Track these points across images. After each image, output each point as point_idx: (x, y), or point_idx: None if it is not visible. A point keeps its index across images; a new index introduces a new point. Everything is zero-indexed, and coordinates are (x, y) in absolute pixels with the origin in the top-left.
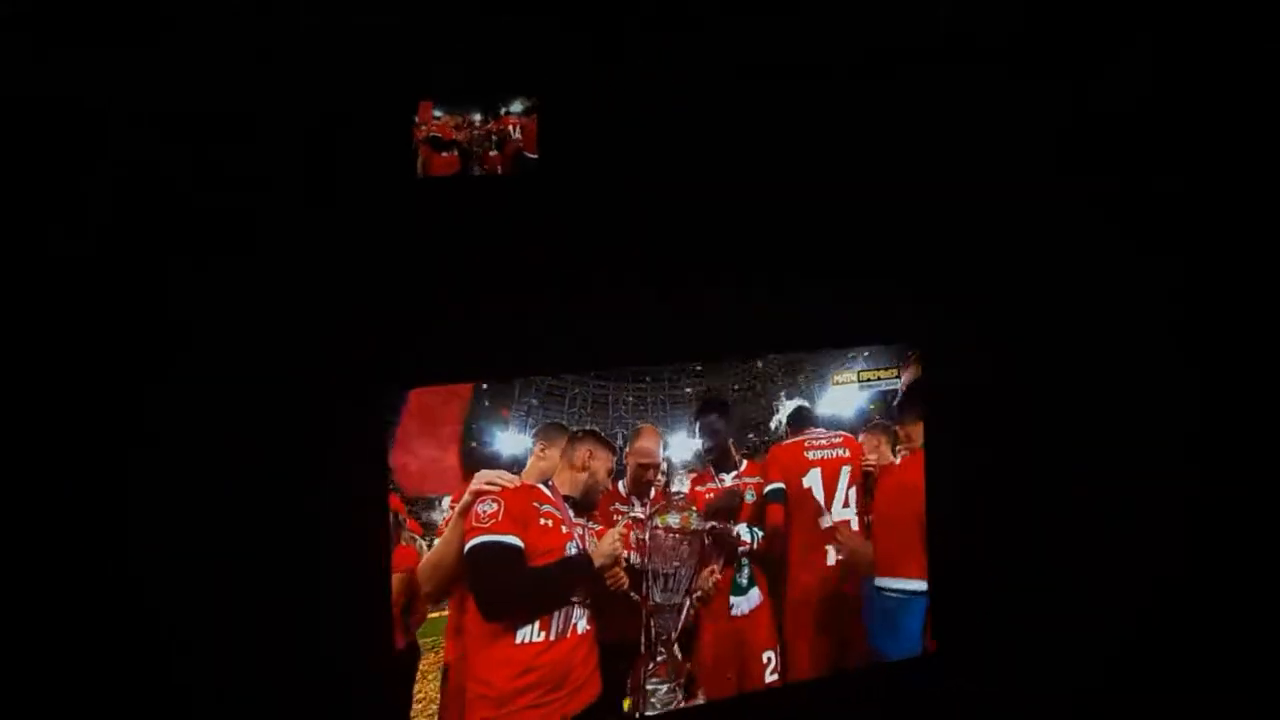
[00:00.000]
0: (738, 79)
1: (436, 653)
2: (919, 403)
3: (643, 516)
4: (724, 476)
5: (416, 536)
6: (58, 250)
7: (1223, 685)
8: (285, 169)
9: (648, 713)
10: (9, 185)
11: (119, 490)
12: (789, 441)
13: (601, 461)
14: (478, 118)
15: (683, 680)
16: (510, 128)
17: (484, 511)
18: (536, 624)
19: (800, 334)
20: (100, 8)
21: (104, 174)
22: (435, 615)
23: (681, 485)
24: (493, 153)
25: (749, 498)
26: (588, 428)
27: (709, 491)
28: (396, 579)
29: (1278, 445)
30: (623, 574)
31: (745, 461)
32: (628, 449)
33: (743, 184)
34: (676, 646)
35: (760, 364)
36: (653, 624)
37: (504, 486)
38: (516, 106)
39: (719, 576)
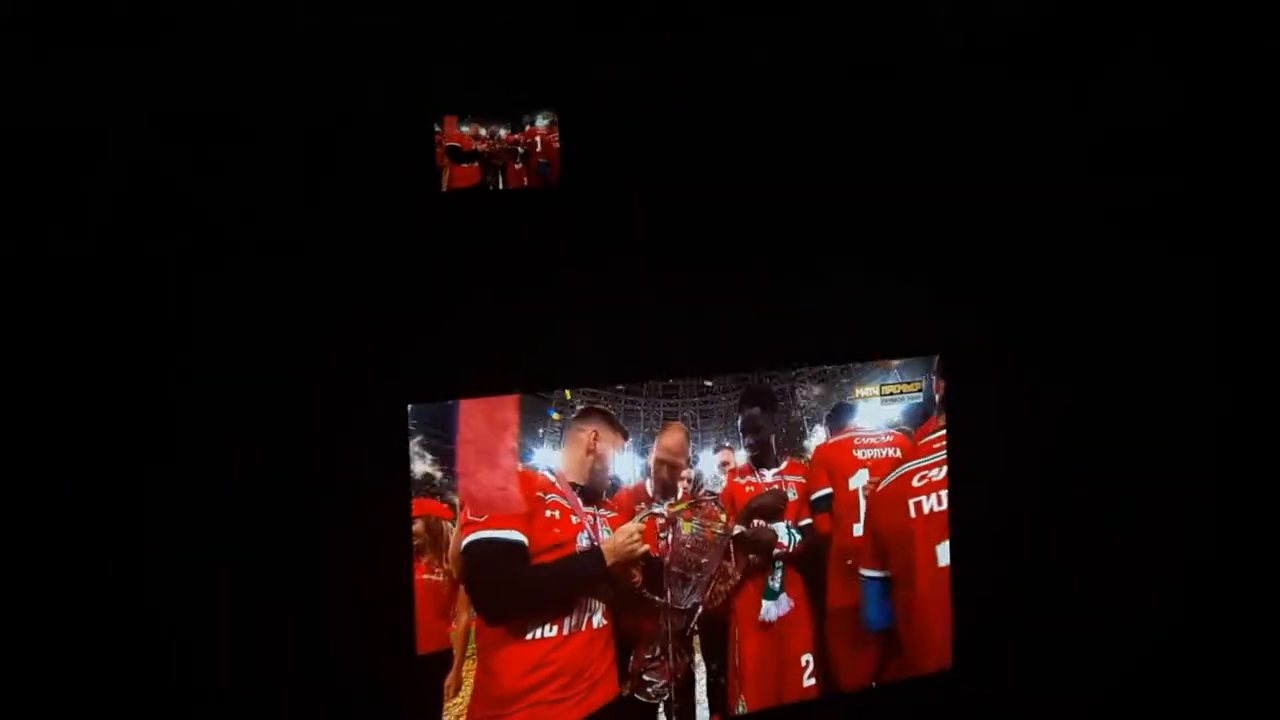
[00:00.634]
0: (763, 85)
1: (473, 660)
2: (941, 412)
3: (665, 514)
4: (764, 472)
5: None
6: (91, 253)
7: (1246, 689)
8: (309, 180)
9: (638, 697)
10: (23, 184)
11: (137, 497)
12: (835, 440)
13: (609, 443)
14: (503, 131)
15: (679, 678)
16: (536, 139)
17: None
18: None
19: (829, 347)
20: (107, 15)
21: (116, 184)
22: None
23: (717, 485)
24: (517, 165)
25: (790, 495)
26: (595, 406)
27: (748, 484)
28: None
29: None
30: (637, 574)
31: (786, 459)
32: (654, 446)
33: (769, 195)
34: (673, 650)
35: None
36: (662, 620)
37: None
38: (541, 121)
39: (735, 581)
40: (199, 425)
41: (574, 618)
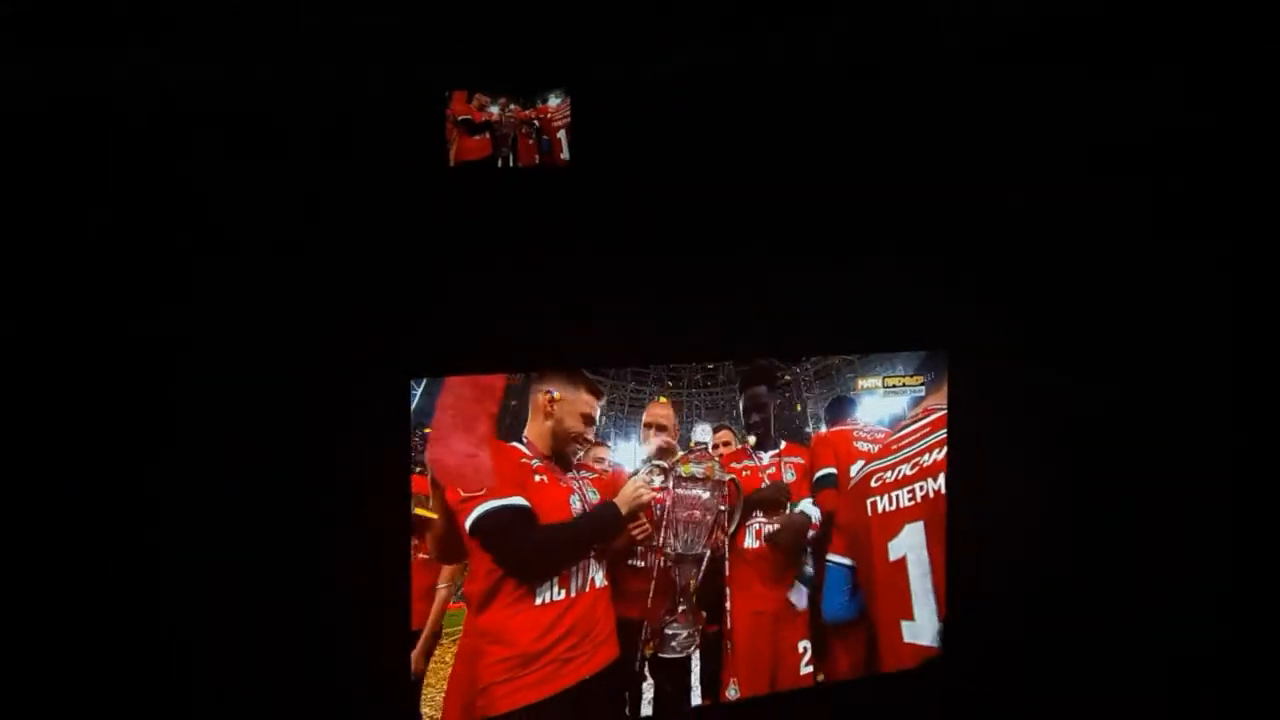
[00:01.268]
0: (778, 80)
1: (455, 643)
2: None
3: (666, 465)
4: (762, 455)
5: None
6: (89, 234)
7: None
8: (315, 154)
9: (664, 654)
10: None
11: (137, 483)
12: (835, 429)
13: (569, 406)
14: (513, 106)
15: (700, 628)
16: (546, 116)
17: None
18: (556, 582)
19: (834, 337)
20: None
21: (120, 163)
22: (455, 609)
23: (704, 437)
24: (530, 140)
25: (789, 476)
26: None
27: (745, 469)
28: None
29: None
30: (647, 521)
31: (784, 441)
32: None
33: (778, 186)
34: (695, 597)
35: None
36: (675, 574)
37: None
38: (553, 99)
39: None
40: (205, 396)
41: (579, 579)
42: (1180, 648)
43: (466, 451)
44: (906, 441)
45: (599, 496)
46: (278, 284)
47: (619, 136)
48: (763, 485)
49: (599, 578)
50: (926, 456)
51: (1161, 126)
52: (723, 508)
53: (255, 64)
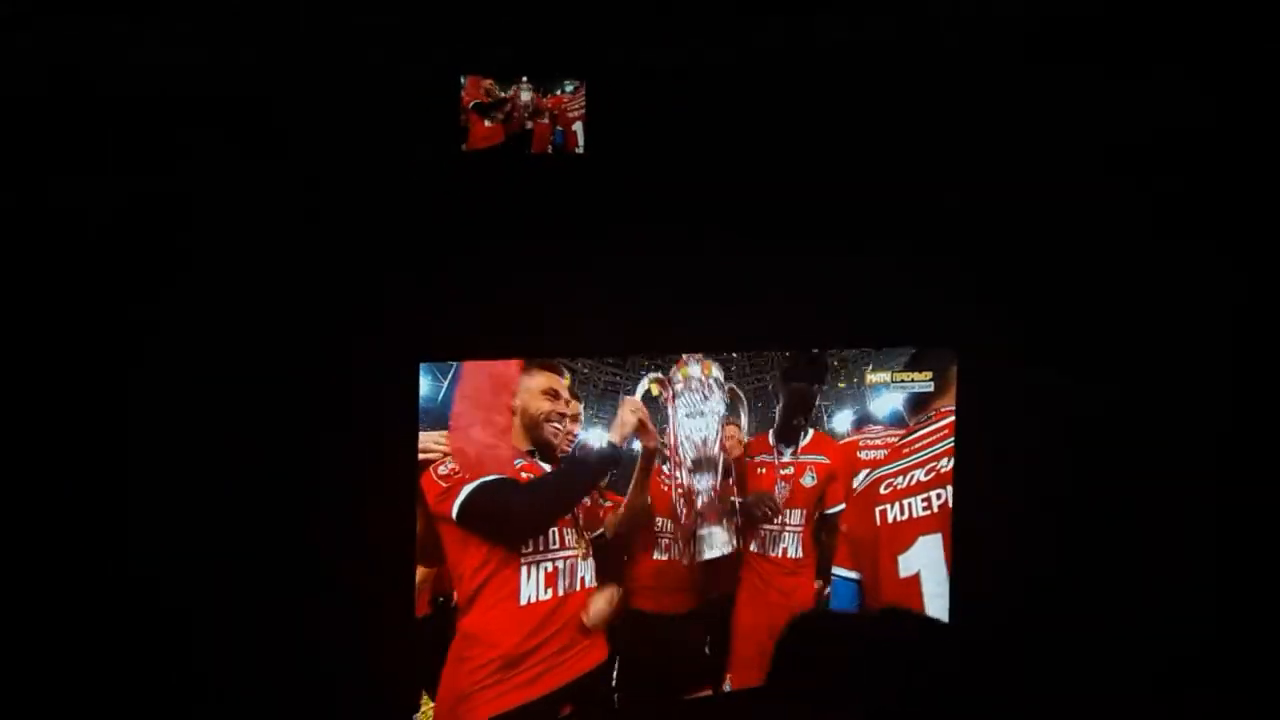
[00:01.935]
0: (791, 72)
1: None
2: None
3: (662, 378)
4: (782, 448)
5: None
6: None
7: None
8: (327, 137)
9: (708, 556)
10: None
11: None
12: (846, 440)
13: (529, 396)
14: (525, 95)
15: (736, 523)
16: (561, 107)
17: (446, 471)
18: (543, 581)
19: (844, 331)
20: None
21: (125, 141)
22: None
23: (694, 369)
24: (543, 120)
25: (808, 481)
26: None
27: (761, 465)
28: None
29: None
30: (651, 429)
31: (812, 432)
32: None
33: (783, 182)
34: (722, 501)
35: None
36: (694, 484)
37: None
38: (568, 86)
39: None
40: (209, 385)
41: (566, 579)
42: (1186, 648)
43: (487, 443)
44: (920, 445)
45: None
46: (286, 268)
47: (633, 127)
48: (753, 497)
49: (589, 576)
50: (944, 461)
51: (1169, 126)
52: (723, 409)
53: (267, 46)
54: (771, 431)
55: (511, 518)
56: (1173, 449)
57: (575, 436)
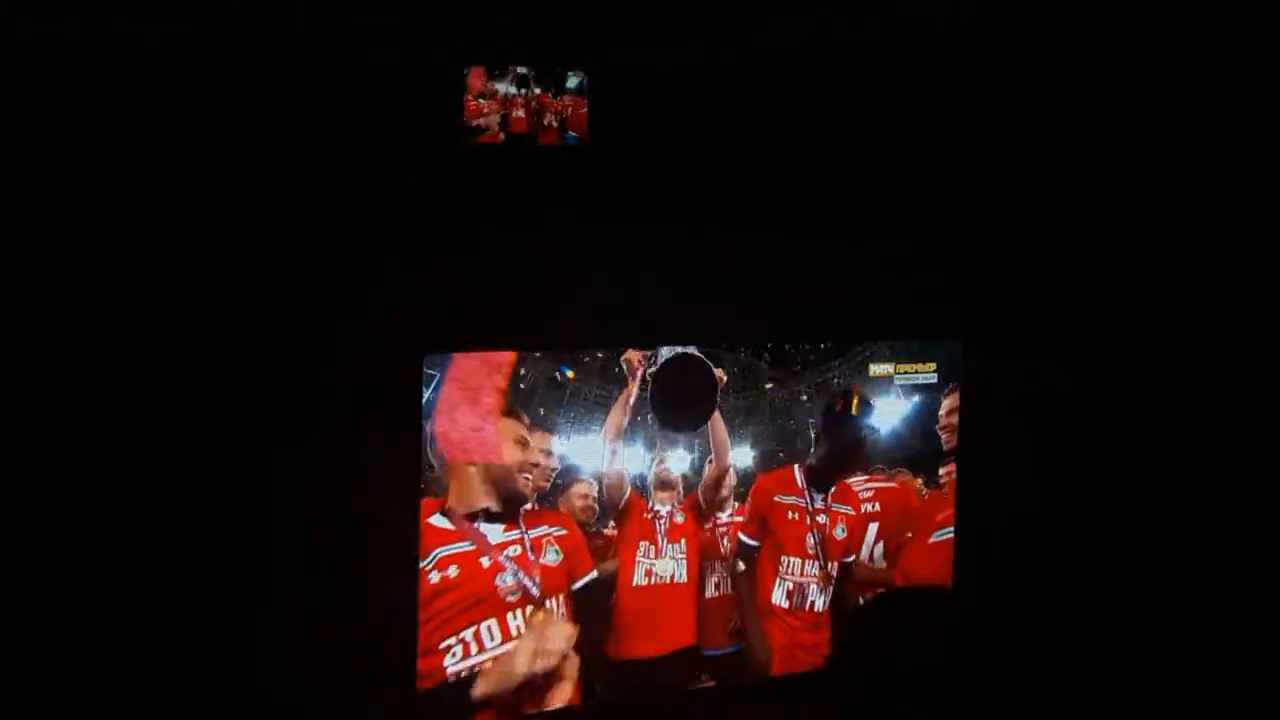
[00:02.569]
0: (793, 70)
1: None
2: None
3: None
4: (814, 495)
5: None
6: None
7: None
8: (330, 130)
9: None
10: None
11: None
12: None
13: (504, 437)
14: (520, 91)
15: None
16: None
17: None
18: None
19: (848, 325)
20: None
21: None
22: None
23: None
24: (550, 121)
25: (839, 533)
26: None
27: (791, 511)
28: None
29: None
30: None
31: (861, 474)
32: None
33: (787, 179)
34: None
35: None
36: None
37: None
38: (571, 82)
39: None
40: (213, 379)
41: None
42: (1186, 648)
43: (472, 425)
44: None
45: (559, 559)
46: (285, 267)
47: (636, 124)
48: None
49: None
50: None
51: (1174, 126)
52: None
53: (268, 40)
54: (802, 470)
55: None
56: (1173, 448)
57: (552, 470)
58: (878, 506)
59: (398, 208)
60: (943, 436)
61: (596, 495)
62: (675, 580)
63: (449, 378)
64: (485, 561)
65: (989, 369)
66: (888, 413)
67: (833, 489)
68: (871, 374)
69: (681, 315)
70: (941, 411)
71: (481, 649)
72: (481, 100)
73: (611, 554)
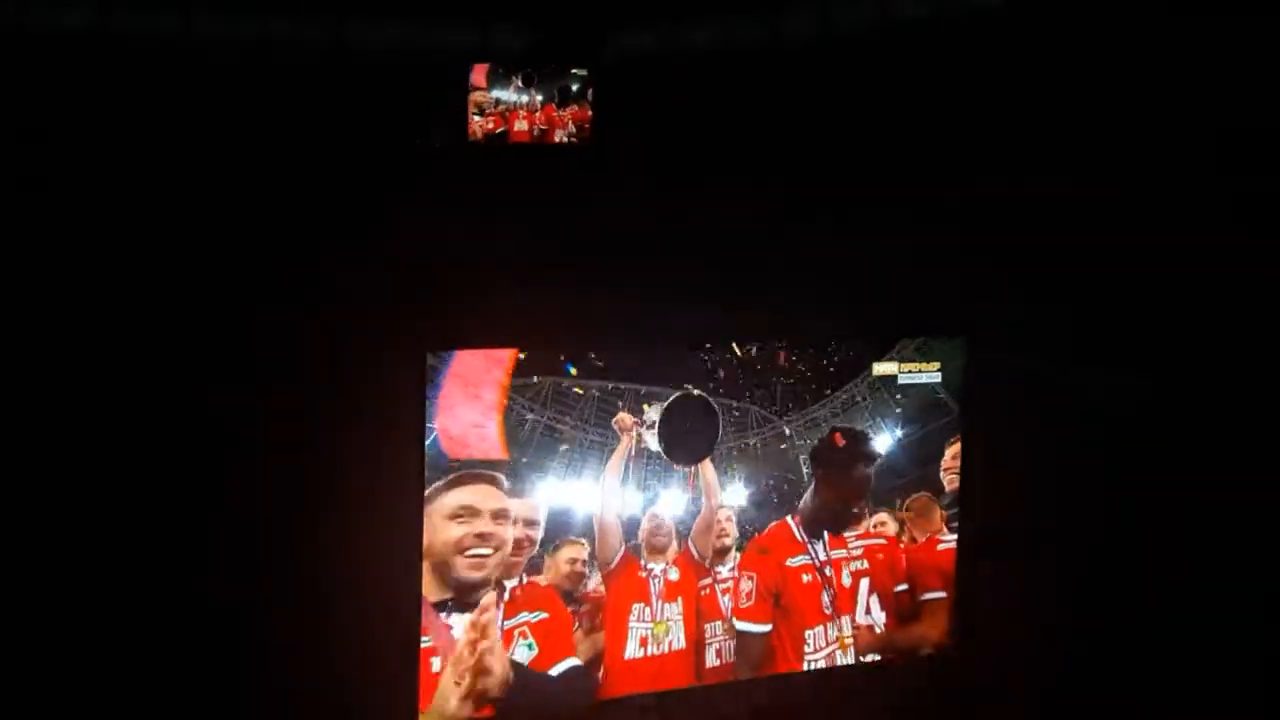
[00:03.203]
0: (797, 67)
1: None
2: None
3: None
4: (816, 547)
5: None
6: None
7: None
8: (332, 127)
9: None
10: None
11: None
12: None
13: (430, 531)
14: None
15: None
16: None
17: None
18: None
19: (850, 323)
20: None
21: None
22: None
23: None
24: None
25: (846, 580)
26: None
27: (803, 571)
28: None
29: None
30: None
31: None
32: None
33: (789, 179)
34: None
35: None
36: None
37: None
38: (574, 86)
39: None
40: (216, 377)
41: None
42: (1187, 648)
43: (473, 421)
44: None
45: (532, 654)
46: (287, 266)
47: (638, 123)
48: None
49: None
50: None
51: (1185, 126)
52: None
53: (271, 36)
54: (796, 520)
55: None
56: (1179, 447)
57: (531, 546)
58: (866, 564)
59: (401, 209)
60: (945, 479)
61: (586, 559)
62: (673, 648)
63: (450, 373)
64: (435, 665)
65: (992, 365)
66: (886, 443)
67: (826, 535)
68: (876, 373)
69: (681, 315)
70: (946, 456)
71: None
72: (487, 94)
73: (599, 624)
